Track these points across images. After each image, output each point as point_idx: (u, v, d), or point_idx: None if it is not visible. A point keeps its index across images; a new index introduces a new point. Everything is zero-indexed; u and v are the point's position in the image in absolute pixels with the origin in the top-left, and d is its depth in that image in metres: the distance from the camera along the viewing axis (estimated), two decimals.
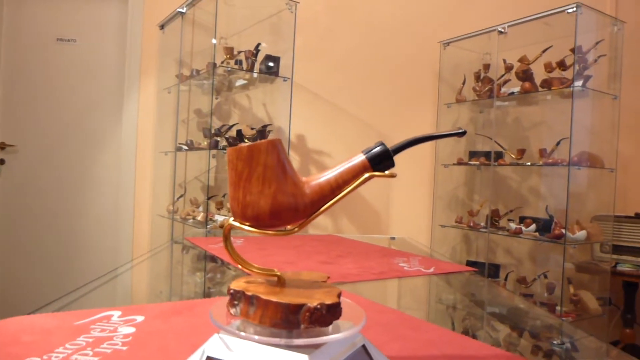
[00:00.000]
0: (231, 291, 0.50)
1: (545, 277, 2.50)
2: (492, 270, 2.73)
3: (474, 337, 0.73)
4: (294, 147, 2.96)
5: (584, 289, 2.49)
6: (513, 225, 2.52)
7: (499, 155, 2.61)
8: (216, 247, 1.28)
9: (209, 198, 3.03)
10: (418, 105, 2.94)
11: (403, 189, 2.95)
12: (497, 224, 2.63)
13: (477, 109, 2.86)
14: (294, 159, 2.96)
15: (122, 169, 3.11)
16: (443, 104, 2.85)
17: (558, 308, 2.31)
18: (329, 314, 0.43)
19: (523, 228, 2.47)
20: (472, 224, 2.67)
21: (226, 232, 0.50)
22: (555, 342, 0.73)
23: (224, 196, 2.99)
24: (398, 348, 0.59)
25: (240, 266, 0.50)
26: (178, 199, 3.07)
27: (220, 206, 2.91)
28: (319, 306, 0.42)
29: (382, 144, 0.46)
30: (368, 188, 2.96)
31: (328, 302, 0.42)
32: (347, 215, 2.97)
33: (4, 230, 3.13)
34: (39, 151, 3.13)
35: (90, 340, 0.58)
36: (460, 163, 2.77)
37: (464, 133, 0.45)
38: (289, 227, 0.49)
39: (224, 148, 2.69)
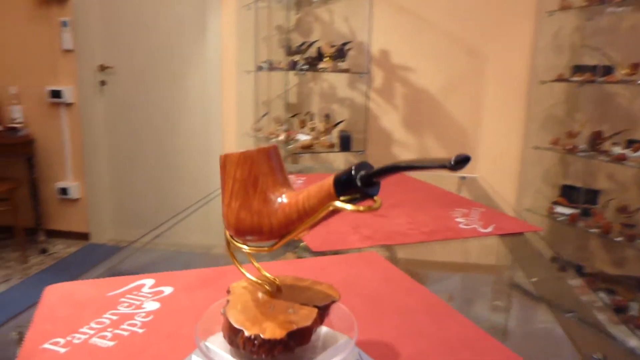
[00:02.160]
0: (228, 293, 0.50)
1: None
2: (589, 197, 2.51)
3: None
4: (376, 63, 2.81)
5: None
6: (618, 150, 2.25)
7: (608, 71, 2.27)
8: None
9: (291, 116, 3.04)
10: (514, 15, 2.61)
11: (493, 107, 2.73)
12: (599, 147, 2.37)
13: (584, 15, 2.47)
14: (377, 76, 2.83)
15: (208, 88, 3.19)
16: (544, 12, 2.49)
17: None
18: (266, 348, 0.40)
19: (628, 153, 2.20)
20: (570, 147, 2.43)
21: (228, 236, 0.49)
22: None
23: (306, 114, 2.98)
24: (410, 350, 0.56)
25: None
26: (262, 117, 3.12)
27: (302, 125, 2.92)
28: (252, 336, 0.40)
29: (357, 166, 0.39)
30: (453, 104, 2.78)
31: (267, 335, 0.40)
32: (433, 133, 2.84)
33: (110, 144, 3.44)
34: (134, 72, 3.29)
35: (115, 318, 0.62)
36: (560, 79, 2.46)
37: (455, 166, 0.35)
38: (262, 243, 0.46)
39: (302, 69, 2.63)
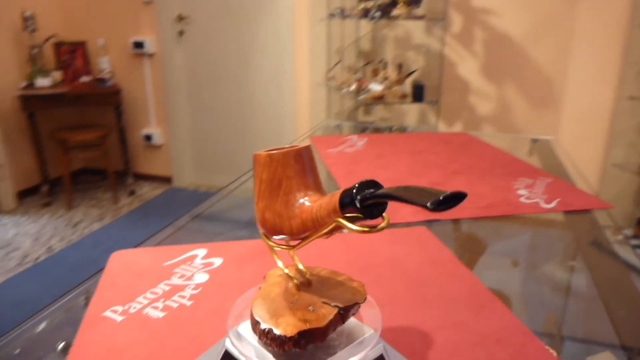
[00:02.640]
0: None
1: None
2: None
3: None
4: (454, 7, 2.64)
5: None
6: None
7: None
8: (334, 152, 1.28)
9: (364, 65, 2.97)
10: None
11: (583, 53, 2.49)
12: None
13: None
14: (454, 21, 2.66)
15: (281, 36, 3.18)
16: None
17: None
18: (277, 343, 0.41)
19: None
20: None
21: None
22: None
23: (379, 62, 2.90)
24: (442, 342, 0.56)
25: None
26: (334, 66, 3.07)
27: (375, 74, 2.85)
28: (266, 329, 0.42)
29: (359, 186, 0.37)
30: (538, 50, 2.56)
31: (279, 331, 0.41)
32: (514, 82, 2.66)
33: (189, 92, 3.57)
34: (209, 21, 3.34)
35: (167, 288, 0.67)
36: None
37: (433, 209, 0.31)
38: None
39: (374, 16, 2.52)
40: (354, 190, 0.37)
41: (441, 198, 0.31)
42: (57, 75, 3.34)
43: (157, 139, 3.68)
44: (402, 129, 2.08)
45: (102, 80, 3.38)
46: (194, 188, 3.77)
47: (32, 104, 3.19)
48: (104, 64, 3.45)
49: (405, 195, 0.34)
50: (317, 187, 0.46)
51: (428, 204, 0.30)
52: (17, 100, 3.24)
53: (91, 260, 2.76)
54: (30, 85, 3.23)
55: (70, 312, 0.66)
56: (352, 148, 1.30)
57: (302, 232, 0.43)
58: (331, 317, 0.43)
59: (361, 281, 0.50)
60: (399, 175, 1.10)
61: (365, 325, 0.49)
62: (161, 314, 0.61)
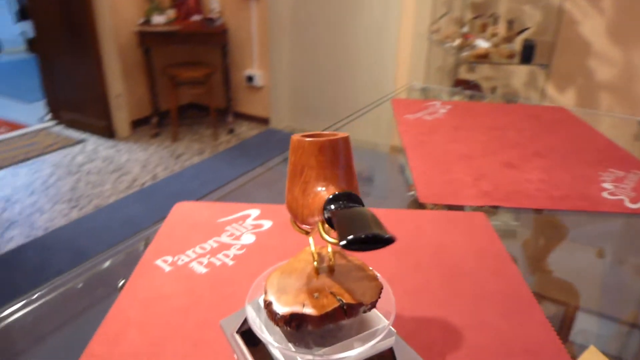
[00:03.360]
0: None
1: None
2: None
3: None
4: None
5: None
6: None
7: None
8: (411, 118, 1.24)
9: (473, 18, 2.78)
10: None
11: None
12: None
13: None
14: None
15: None
16: None
17: None
18: (272, 317, 0.43)
19: None
20: None
21: None
22: None
23: (490, 16, 2.69)
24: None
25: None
26: (440, 17, 2.91)
27: (483, 29, 2.66)
28: (267, 301, 0.43)
29: (337, 197, 0.36)
30: None
31: (274, 306, 0.43)
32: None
33: (292, 37, 3.60)
34: None
35: (215, 245, 0.72)
36: None
37: (343, 246, 0.29)
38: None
39: None
40: (325, 202, 0.37)
41: (361, 236, 0.29)
42: (171, 13, 3.52)
43: (259, 81, 3.79)
44: (505, 96, 1.95)
45: (211, 20, 3.50)
46: (289, 130, 3.88)
47: (147, 39, 3.41)
48: (214, 4, 3.57)
49: (340, 221, 0.33)
50: (341, 180, 0.46)
51: (341, 241, 0.29)
52: (135, 36, 3.48)
53: (189, 191, 2.99)
54: (147, 22, 3.44)
55: (131, 255, 0.73)
56: (432, 115, 1.25)
57: (312, 222, 0.43)
58: (329, 309, 0.44)
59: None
60: (471, 152, 1.05)
61: (383, 315, 0.50)
62: (204, 270, 0.66)
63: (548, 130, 1.19)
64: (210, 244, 0.72)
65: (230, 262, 0.68)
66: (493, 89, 2.80)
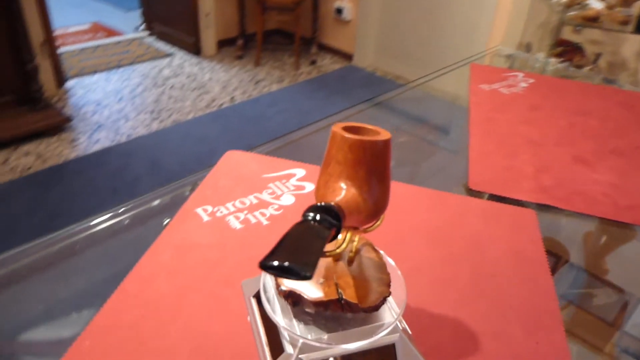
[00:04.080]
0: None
1: None
2: None
3: None
4: None
5: None
6: None
7: None
8: (486, 89, 1.16)
9: None
10: None
11: None
12: None
13: None
14: None
15: None
16: None
17: None
18: (276, 286, 0.44)
19: None
20: None
21: None
22: None
23: None
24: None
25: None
26: None
27: None
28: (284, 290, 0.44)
29: (313, 209, 0.35)
30: None
31: (285, 283, 0.44)
32: None
33: None
34: None
35: (255, 202, 0.74)
36: None
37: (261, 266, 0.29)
38: None
39: None
40: (308, 208, 0.37)
41: (274, 264, 0.29)
42: None
43: (347, 14, 3.67)
44: (603, 74, 1.76)
45: None
46: (371, 70, 3.79)
47: None
48: None
49: (282, 238, 0.33)
50: (365, 185, 0.44)
51: (261, 261, 0.29)
52: None
53: (264, 117, 3.05)
54: None
55: (177, 198, 0.78)
56: (510, 89, 1.17)
57: None
58: (326, 299, 0.44)
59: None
60: (543, 138, 0.98)
61: (396, 304, 0.50)
62: (239, 226, 0.69)
63: (639, 124, 1.08)
64: (250, 199, 0.75)
65: (265, 222, 0.70)
66: (597, 56, 2.53)
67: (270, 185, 0.78)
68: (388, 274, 0.50)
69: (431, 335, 0.55)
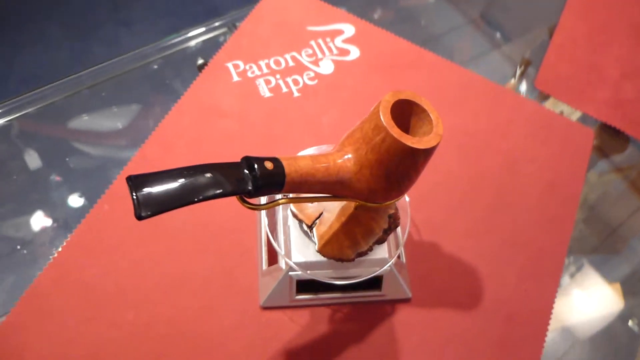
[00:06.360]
0: None
1: None
2: None
3: None
4: None
5: None
6: None
7: None
8: None
9: None
10: None
11: None
12: None
13: None
14: None
15: None
16: None
17: None
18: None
19: None
20: None
21: None
22: None
23: None
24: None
25: None
26: None
27: None
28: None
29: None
30: None
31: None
32: None
33: None
34: None
35: (291, 64, 0.68)
36: None
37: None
38: None
39: None
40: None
41: (131, 183, 0.28)
42: None
43: None
44: None
45: None
46: None
47: None
48: None
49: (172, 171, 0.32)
50: (375, 174, 0.38)
51: (132, 175, 0.29)
52: None
53: None
54: None
55: (211, 41, 0.72)
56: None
57: None
58: (308, 222, 0.45)
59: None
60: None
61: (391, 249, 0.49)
62: (268, 94, 0.65)
63: None
64: (287, 59, 0.68)
65: (296, 94, 0.66)
66: None
67: (312, 42, 0.71)
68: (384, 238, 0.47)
69: (425, 264, 0.56)
